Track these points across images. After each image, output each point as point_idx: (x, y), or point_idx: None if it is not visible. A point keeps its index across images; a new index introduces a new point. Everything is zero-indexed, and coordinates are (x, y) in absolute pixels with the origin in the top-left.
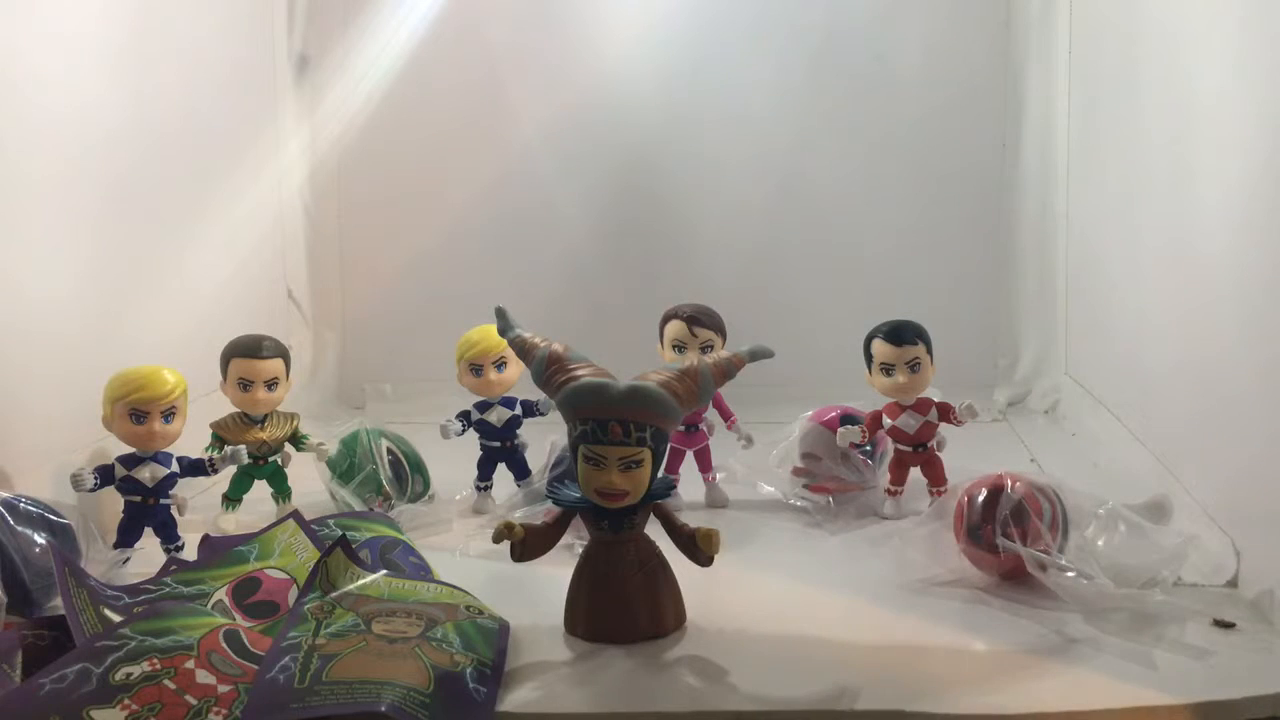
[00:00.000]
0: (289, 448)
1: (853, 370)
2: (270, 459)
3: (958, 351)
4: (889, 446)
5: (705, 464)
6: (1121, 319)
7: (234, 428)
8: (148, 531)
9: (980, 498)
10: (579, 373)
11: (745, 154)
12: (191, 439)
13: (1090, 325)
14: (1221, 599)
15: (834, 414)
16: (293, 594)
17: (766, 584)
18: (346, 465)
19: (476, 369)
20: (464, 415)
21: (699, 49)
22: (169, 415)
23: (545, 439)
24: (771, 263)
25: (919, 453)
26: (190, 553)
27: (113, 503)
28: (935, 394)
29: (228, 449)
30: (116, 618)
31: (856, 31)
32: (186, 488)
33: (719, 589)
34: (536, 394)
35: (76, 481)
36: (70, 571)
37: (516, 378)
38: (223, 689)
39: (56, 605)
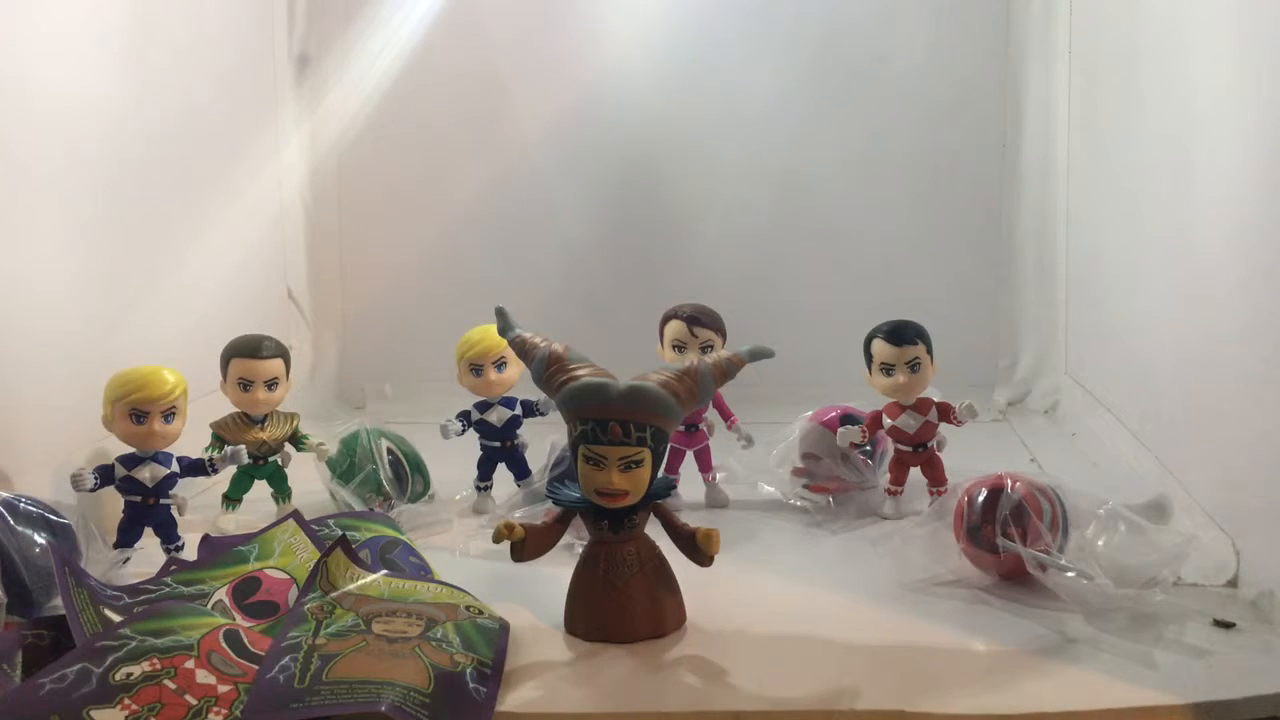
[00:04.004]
0: (289, 448)
1: (853, 370)
2: (270, 459)
3: (958, 351)
4: (889, 446)
5: (705, 464)
6: (1121, 319)
7: (234, 428)
8: (148, 531)
9: (980, 498)
10: (579, 373)
11: (745, 153)
12: (191, 439)
13: (1090, 325)
14: (1221, 599)
15: (834, 414)
16: (293, 594)
17: (766, 584)
18: (346, 465)
19: (476, 369)
20: (464, 415)
21: (699, 49)
22: (169, 415)
23: (545, 439)
24: (771, 262)
25: (919, 453)
26: (190, 553)
27: (113, 503)
28: (935, 394)
29: (228, 449)
30: (116, 618)
31: (856, 31)
32: (186, 488)
33: (719, 589)
34: (536, 394)
35: (76, 481)
36: (70, 571)
37: (516, 378)
38: (223, 689)
39: (56, 605)
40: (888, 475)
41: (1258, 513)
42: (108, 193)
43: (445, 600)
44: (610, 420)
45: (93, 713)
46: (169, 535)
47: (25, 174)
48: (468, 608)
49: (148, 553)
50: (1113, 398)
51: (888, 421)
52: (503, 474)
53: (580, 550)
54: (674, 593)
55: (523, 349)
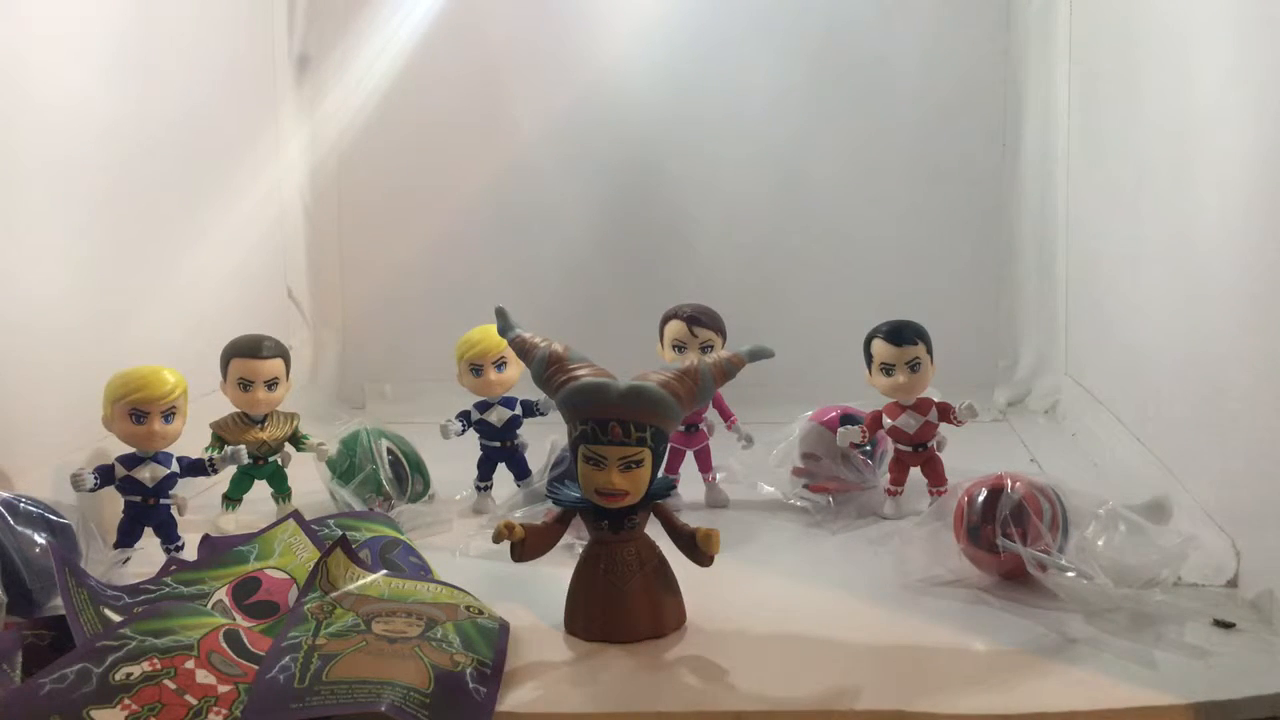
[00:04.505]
0: (289, 448)
1: (853, 370)
2: (270, 459)
3: (958, 351)
4: (889, 446)
5: (705, 464)
6: (1121, 319)
7: (234, 428)
8: (148, 531)
9: (980, 498)
10: (579, 373)
11: (746, 153)
12: (191, 439)
13: (1090, 325)
14: (1221, 599)
15: (834, 414)
16: (293, 594)
17: (766, 584)
18: (346, 465)
19: (476, 369)
20: (464, 415)
21: (699, 48)
22: (169, 415)
23: (545, 439)
24: (771, 262)
25: (919, 453)
26: (190, 553)
27: (113, 503)
28: (935, 394)
29: (228, 449)
30: (116, 618)
31: (856, 31)
32: (186, 488)
33: (719, 589)
34: (536, 394)
35: (76, 481)
36: (70, 571)
37: (517, 378)
38: (223, 689)
39: (56, 605)
40: (888, 475)
41: (1258, 513)
42: (108, 193)
43: (445, 600)
44: (610, 420)
45: (93, 713)
46: (169, 535)
47: (25, 174)
48: (468, 608)
49: (148, 553)
50: (1113, 398)
51: (888, 421)
52: (503, 474)
53: (580, 550)
54: (674, 593)
55: (523, 349)
